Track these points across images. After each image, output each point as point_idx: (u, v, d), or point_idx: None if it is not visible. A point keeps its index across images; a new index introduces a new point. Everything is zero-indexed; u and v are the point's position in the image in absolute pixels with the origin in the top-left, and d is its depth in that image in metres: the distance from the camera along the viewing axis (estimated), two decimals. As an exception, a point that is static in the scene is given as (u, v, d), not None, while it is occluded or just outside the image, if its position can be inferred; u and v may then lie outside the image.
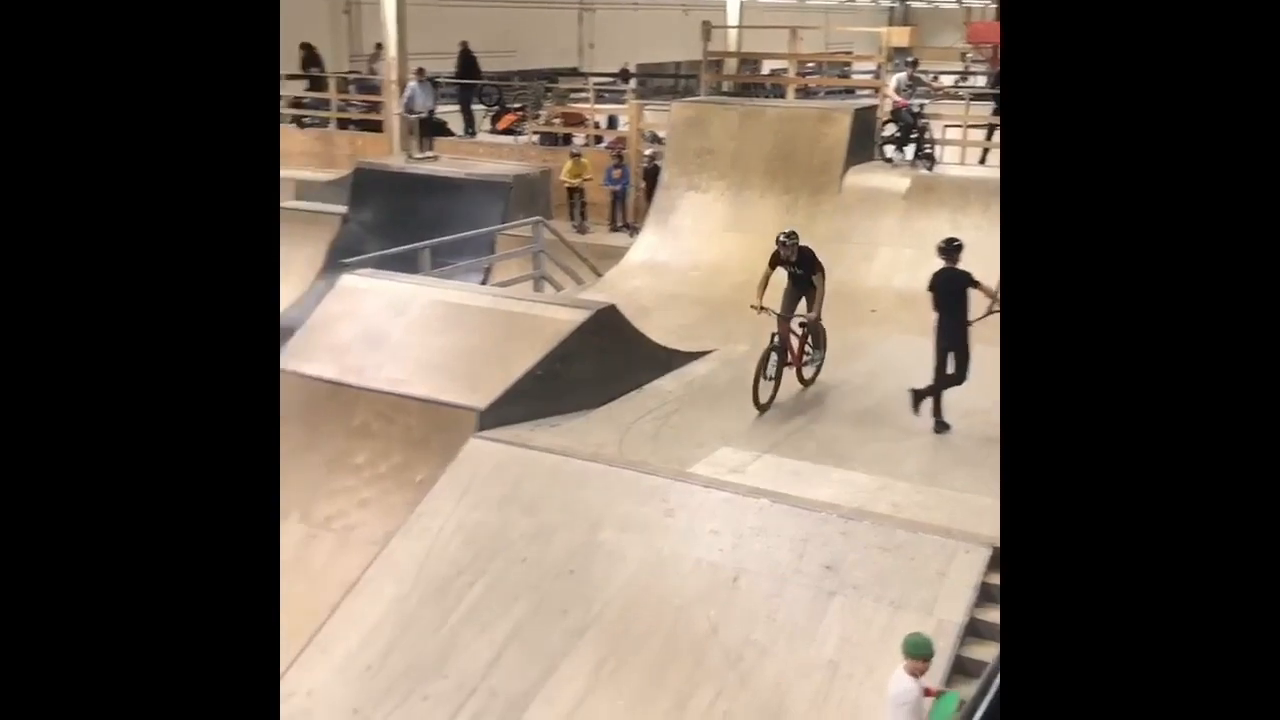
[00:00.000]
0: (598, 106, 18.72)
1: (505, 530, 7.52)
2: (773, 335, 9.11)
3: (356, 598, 7.40)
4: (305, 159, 18.82)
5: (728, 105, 15.34)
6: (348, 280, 10.20)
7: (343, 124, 19.45)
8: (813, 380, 9.59)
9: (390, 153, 17.94)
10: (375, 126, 18.71)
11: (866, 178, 13.45)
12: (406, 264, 11.62)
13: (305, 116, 20.16)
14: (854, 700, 6.05)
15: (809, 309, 9.20)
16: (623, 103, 18.75)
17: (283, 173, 17.84)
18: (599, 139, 17.46)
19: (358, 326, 9.56)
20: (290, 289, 15.83)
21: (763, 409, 8.92)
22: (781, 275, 9.35)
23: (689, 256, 13.46)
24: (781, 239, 9.15)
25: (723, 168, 14.00)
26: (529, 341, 8.98)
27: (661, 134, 15.86)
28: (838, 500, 7.27)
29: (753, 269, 12.95)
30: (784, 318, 9.15)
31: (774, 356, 9.02)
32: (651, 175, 15.15)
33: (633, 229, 15.10)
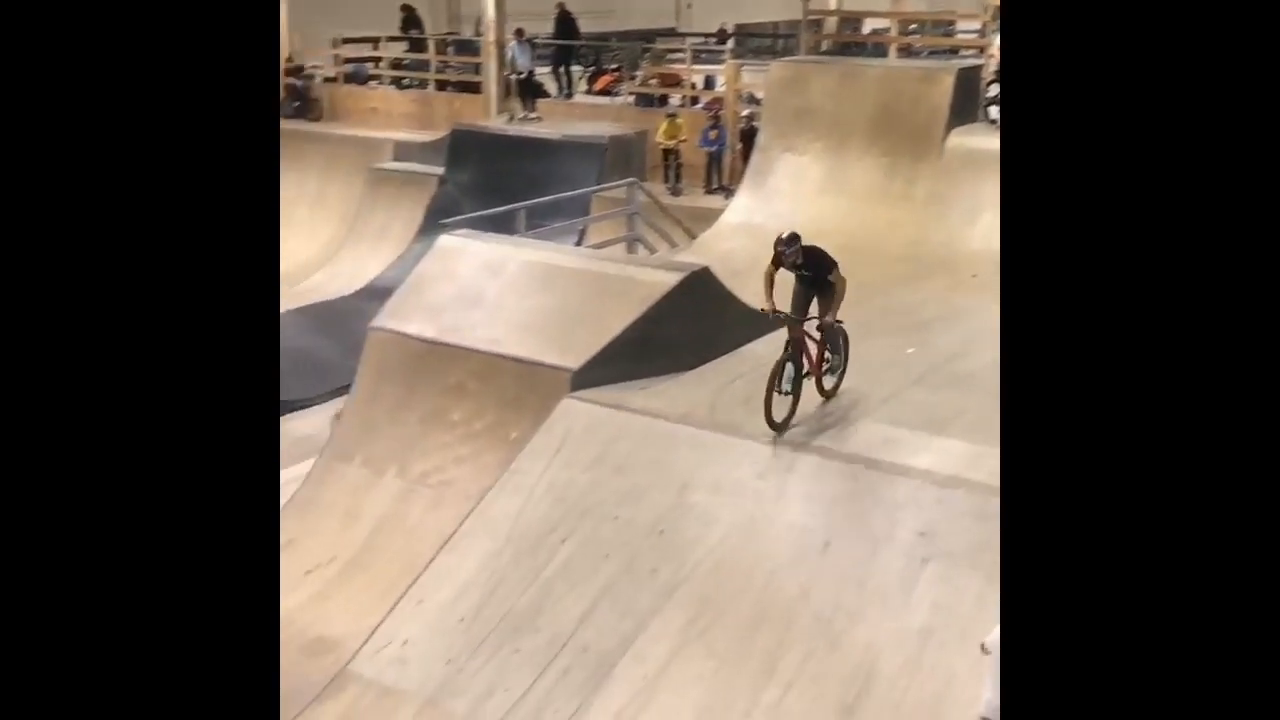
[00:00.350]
0: (695, 67, 18.56)
1: (596, 490, 7.58)
2: (786, 344, 7.86)
3: (451, 552, 7.55)
4: (404, 120, 19.07)
5: (827, 65, 15.08)
6: (445, 241, 10.32)
7: (441, 85, 19.64)
8: (834, 392, 8.40)
9: (487, 114, 18.06)
10: (473, 88, 18.84)
11: (970, 140, 13.12)
12: (502, 225, 11.72)
13: (404, 78, 20.42)
14: (947, 667, 5.98)
15: (822, 312, 7.90)
16: (720, 63, 18.56)
17: (382, 134, 18.21)
18: (695, 100, 17.32)
19: (454, 287, 9.69)
20: (388, 249, 16.16)
21: (779, 428, 7.67)
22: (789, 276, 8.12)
23: (785, 219, 13.24)
24: (780, 248, 7.81)
25: (821, 129, 13.78)
26: (622, 303, 9.00)
27: (759, 95, 15.66)
28: (934, 468, 7.17)
29: (851, 232, 12.80)
30: (797, 321, 7.90)
31: (788, 368, 7.77)
32: (748, 136, 15.00)
33: (728, 191, 14.99)
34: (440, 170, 16.59)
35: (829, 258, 8.00)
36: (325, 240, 17.21)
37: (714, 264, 10.17)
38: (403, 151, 17.54)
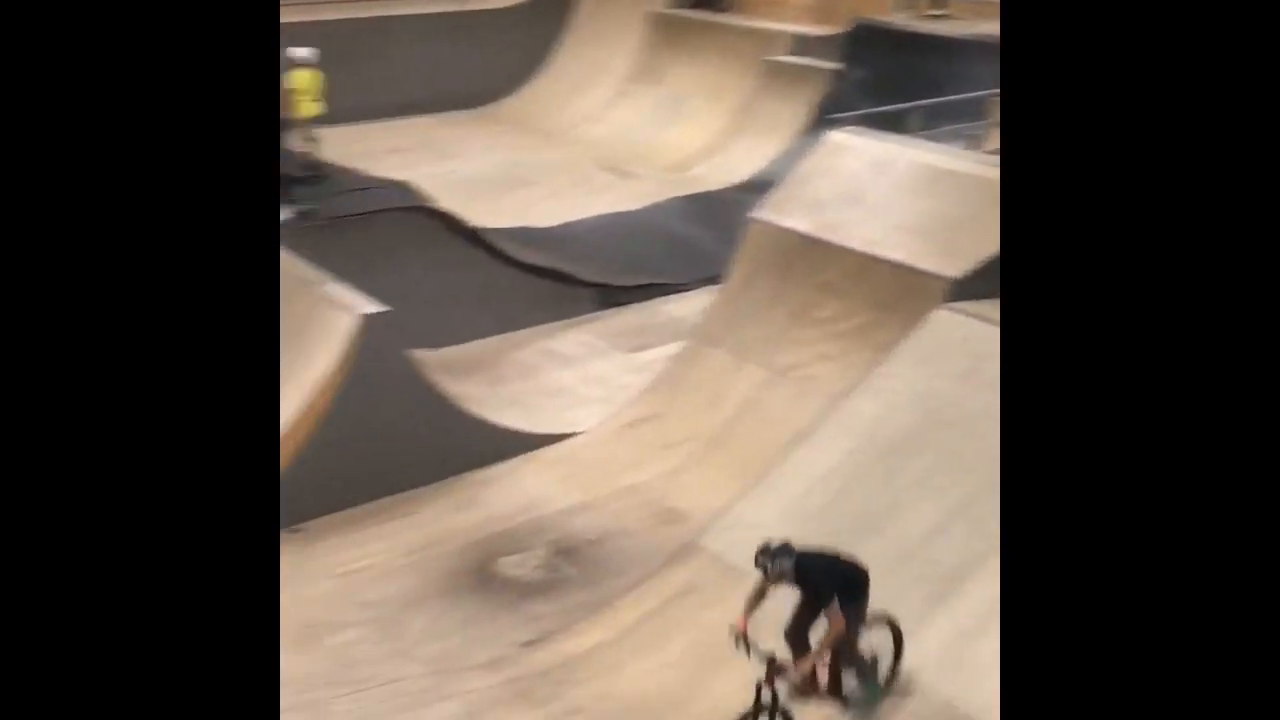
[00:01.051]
0: (1126, -37, 16.89)
1: (963, 404, 7.29)
2: (758, 686, 5.54)
3: (808, 446, 7.59)
4: (806, 14, 18.80)
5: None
6: (833, 137, 10.16)
7: (846, -22, 19.17)
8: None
9: (889, 9, 17.45)
10: (878, -19, 18.25)
11: None
12: (894, 124, 11.38)
13: (809, -29, 20.10)
14: None
15: (831, 631, 5.52)
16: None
17: (781, 26, 18.08)
18: None
19: (837, 183, 9.55)
20: (775, 143, 16.18)
21: None
22: None
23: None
24: (759, 560, 5.65)
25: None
26: (1014, 213, 8.48)
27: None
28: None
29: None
30: (788, 653, 5.64)
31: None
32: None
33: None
34: (833, 65, 16.30)
35: (835, 580, 5.65)
36: (716, 131, 17.48)
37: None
38: (799, 45, 17.35)
